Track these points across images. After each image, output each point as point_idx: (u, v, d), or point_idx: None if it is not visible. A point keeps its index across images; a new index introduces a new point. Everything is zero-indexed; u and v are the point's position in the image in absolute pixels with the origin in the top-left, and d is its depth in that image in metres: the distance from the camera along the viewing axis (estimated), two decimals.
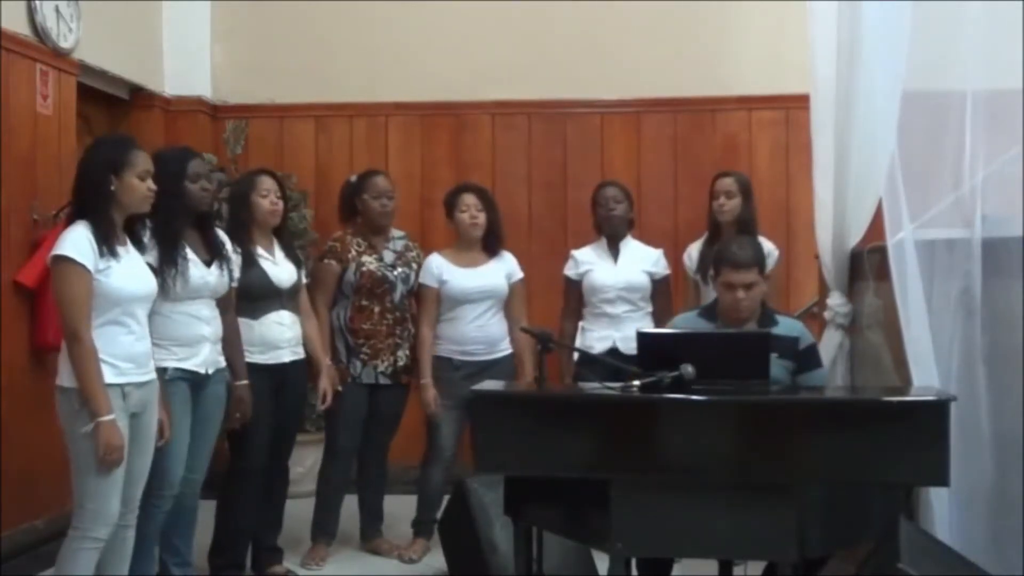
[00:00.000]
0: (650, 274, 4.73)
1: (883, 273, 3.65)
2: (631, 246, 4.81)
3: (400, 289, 4.62)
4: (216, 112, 6.19)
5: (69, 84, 4.93)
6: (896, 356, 3.54)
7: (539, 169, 6.08)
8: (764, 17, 5.85)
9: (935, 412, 2.92)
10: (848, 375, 3.95)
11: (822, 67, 3.89)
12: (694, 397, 3.00)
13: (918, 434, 2.91)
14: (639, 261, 4.76)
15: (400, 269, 4.64)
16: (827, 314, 3.99)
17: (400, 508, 4.88)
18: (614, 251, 4.77)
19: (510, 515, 3.33)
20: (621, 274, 4.70)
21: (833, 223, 3.91)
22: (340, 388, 4.50)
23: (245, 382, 3.99)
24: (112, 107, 5.70)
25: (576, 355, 4.57)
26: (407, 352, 4.65)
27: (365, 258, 4.59)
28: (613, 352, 4.51)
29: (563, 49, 6.04)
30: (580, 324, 4.74)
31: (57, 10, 4.79)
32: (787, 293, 5.68)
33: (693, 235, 4.97)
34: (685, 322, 3.74)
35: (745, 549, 3.05)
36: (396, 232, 4.76)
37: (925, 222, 3.46)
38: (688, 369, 3.03)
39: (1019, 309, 3.28)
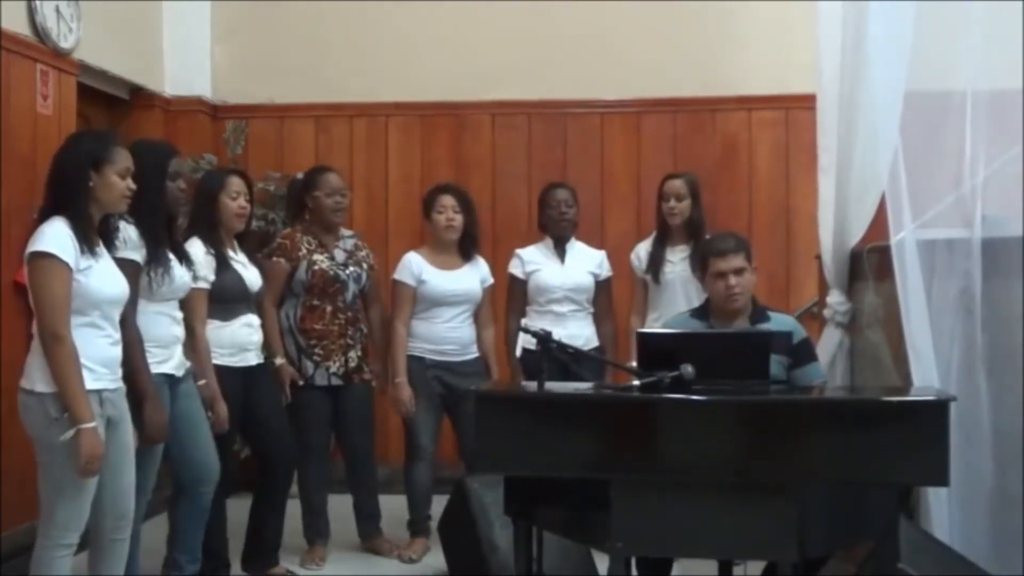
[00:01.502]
0: (594, 275, 4.79)
1: (883, 272, 3.66)
2: (576, 248, 4.87)
3: (352, 288, 4.59)
4: (216, 112, 6.18)
5: (69, 84, 4.93)
6: (896, 355, 3.54)
7: (539, 169, 6.08)
8: (764, 17, 5.85)
9: (935, 412, 2.92)
10: (848, 374, 3.96)
11: (828, 67, 3.90)
12: (694, 397, 3.00)
13: (918, 434, 2.91)
14: (585, 262, 4.82)
15: (352, 268, 4.60)
16: (827, 312, 4.00)
17: (399, 508, 4.88)
18: (560, 252, 4.81)
19: (510, 515, 3.32)
20: (569, 275, 4.76)
21: (834, 222, 3.92)
22: (301, 382, 4.49)
23: (203, 382, 3.91)
24: (112, 107, 5.69)
25: (519, 351, 4.58)
26: (359, 353, 4.61)
27: (316, 256, 4.54)
28: None
29: (563, 49, 6.03)
30: (523, 322, 4.71)
31: (57, 10, 4.79)
32: (787, 293, 5.69)
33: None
34: (677, 323, 3.74)
35: (745, 549, 3.05)
36: (345, 231, 4.73)
37: (925, 222, 3.47)
38: (688, 369, 3.02)
39: (1019, 309, 3.28)
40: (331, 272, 4.54)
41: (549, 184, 5.00)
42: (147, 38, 5.85)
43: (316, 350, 4.52)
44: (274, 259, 4.52)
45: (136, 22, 5.71)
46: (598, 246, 5.03)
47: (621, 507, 2.93)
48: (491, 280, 4.80)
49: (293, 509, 4.60)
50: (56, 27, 4.77)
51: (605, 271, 4.86)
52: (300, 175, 4.76)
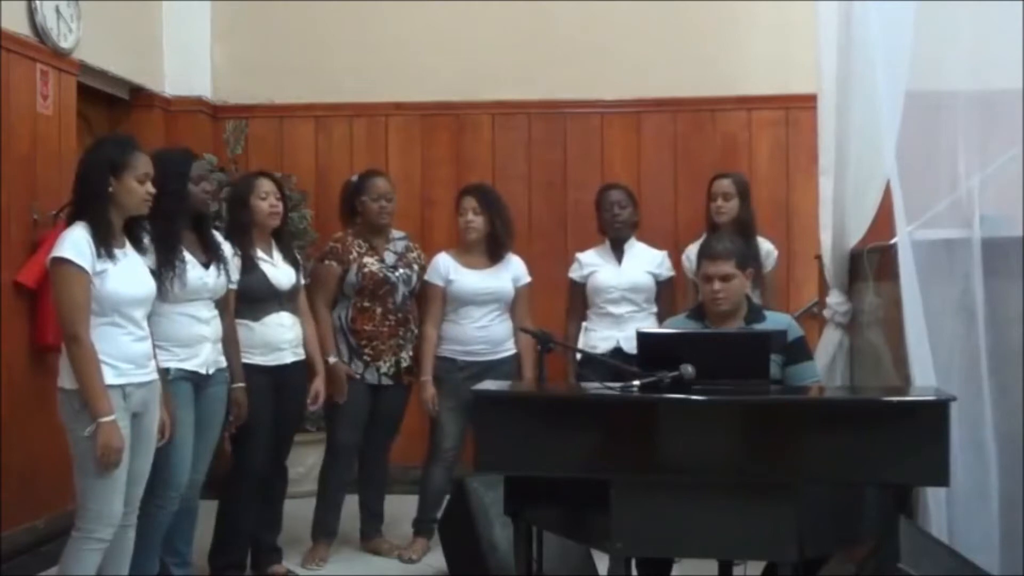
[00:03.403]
0: (654, 275, 4.78)
1: (883, 273, 3.66)
2: (635, 248, 4.85)
3: (402, 290, 4.62)
4: (216, 112, 6.18)
5: (69, 84, 4.93)
6: (896, 355, 3.54)
7: (539, 169, 6.08)
8: (764, 17, 5.85)
9: (935, 412, 2.92)
10: (847, 374, 3.96)
11: (827, 67, 3.90)
12: (694, 397, 3.00)
13: (918, 434, 2.91)
14: (643, 263, 4.80)
15: (402, 270, 4.64)
16: (827, 312, 4.01)
17: (401, 508, 4.89)
18: (618, 253, 4.80)
19: (510, 515, 3.32)
20: (625, 275, 4.74)
21: (834, 222, 3.92)
22: (358, 376, 4.54)
23: (242, 385, 3.99)
24: (112, 107, 5.70)
25: (579, 355, 4.58)
26: (410, 353, 4.66)
27: (367, 259, 4.58)
28: (617, 352, 4.53)
29: (563, 49, 6.03)
30: (584, 325, 4.75)
31: (57, 10, 4.79)
32: (787, 293, 5.69)
33: (693, 235, 4.97)
34: (674, 324, 3.75)
35: (745, 549, 3.04)
36: (397, 233, 4.76)
37: (926, 222, 3.47)
38: (688, 369, 3.03)
39: (1019, 309, 3.28)
40: (381, 274, 4.57)
41: (603, 186, 5.00)
42: (147, 38, 5.85)
43: (366, 350, 4.56)
44: (326, 262, 4.59)
45: (136, 22, 5.71)
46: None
47: (621, 507, 2.93)
48: (527, 279, 4.77)
49: (294, 509, 4.60)
50: (56, 27, 4.77)
51: (666, 271, 4.83)
52: (355, 178, 4.77)
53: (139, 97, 5.80)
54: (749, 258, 3.61)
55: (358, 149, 6.15)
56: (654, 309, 4.76)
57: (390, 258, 4.65)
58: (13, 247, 4.45)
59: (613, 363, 3.90)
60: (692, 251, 4.82)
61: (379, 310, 4.59)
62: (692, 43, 5.97)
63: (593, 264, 4.80)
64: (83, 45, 5.00)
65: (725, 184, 4.73)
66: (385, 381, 4.59)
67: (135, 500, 3.39)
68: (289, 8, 6.15)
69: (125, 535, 3.37)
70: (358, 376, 4.55)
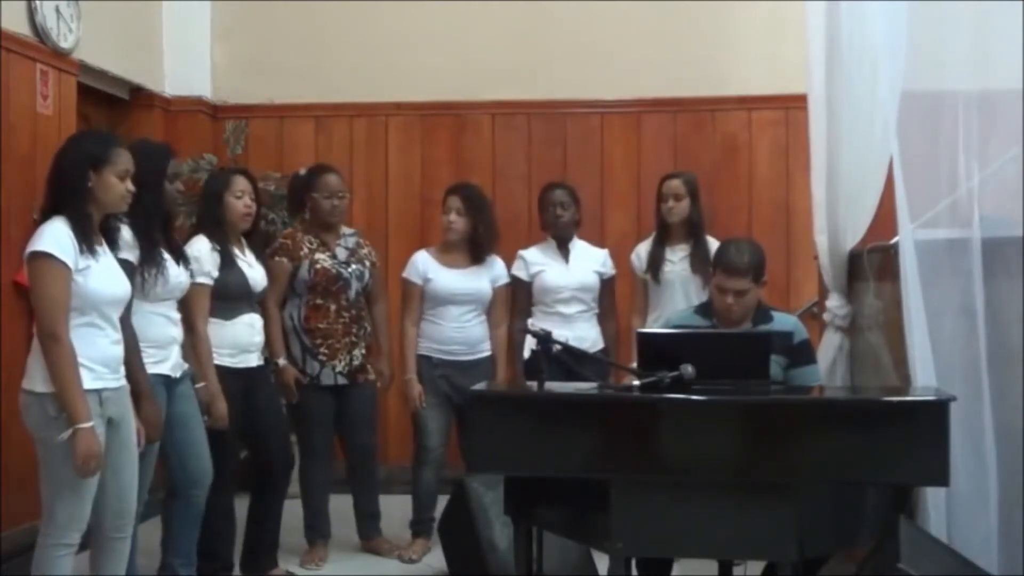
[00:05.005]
0: (599, 274, 4.79)
1: (883, 273, 3.65)
2: (579, 247, 4.86)
3: (355, 286, 4.58)
4: (216, 112, 6.19)
5: (69, 84, 4.93)
6: (896, 356, 3.54)
7: (539, 169, 6.08)
8: (763, 17, 5.85)
9: (935, 412, 2.92)
10: (848, 376, 3.95)
11: (817, 68, 3.90)
12: (694, 397, 3.00)
13: (918, 434, 2.91)
14: (589, 262, 4.82)
15: (354, 266, 4.60)
16: (826, 316, 4.00)
17: (399, 508, 4.88)
18: (564, 252, 4.80)
19: (510, 515, 3.33)
20: (574, 275, 4.75)
21: (828, 224, 3.91)
22: (305, 382, 4.50)
23: (202, 384, 3.91)
24: (112, 107, 5.70)
25: (528, 353, 4.56)
26: (363, 351, 4.61)
27: (318, 255, 4.54)
28: None
29: (563, 49, 6.04)
30: (529, 322, 4.71)
31: (57, 10, 4.79)
32: (787, 293, 5.70)
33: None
34: (681, 319, 3.74)
35: (745, 549, 3.05)
36: (347, 229, 4.73)
37: (927, 222, 3.46)
38: (688, 369, 3.03)
39: (1019, 309, 3.28)
40: (333, 270, 4.54)
41: (546, 185, 4.99)
42: (147, 38, 5.85)
43: (321, 349, 4.52)
44: (276, 258, 4.52)
45: (136, 22, 5.72)
46: (598, 246, 5.02)
47: (621, 507, 2.94)
48: (505, 279, 4.77)
49: (294, 509, 4.60)
50: (56, 27, 4.77)
51: (609, 269, 4.85)
52: (303, 171, 4.73)
53: (139, 97, 5.81)
54: (764, 269, 3.58)
55: (358, 149, 6.15)
56: (597, 309, 4.79)
57: (342, 254, 4.60)
58: (13, 247, 4.44)
59: (608, 361, 3.89)
60: (642, 250, 4.84)
61: (333, 307, 4.54)
62: (692, 43, 5.97)
63: (539, 263, 4.78)
64: (83, 45, 5.00)
65: (675, 184, 4.73)
66: (341, 381, 4.54)
67: (130, 512, 3.30)
68: (289, 8, 6.15)
69: (120, 547, 3.28)
70: (305, 382, 4.50)
